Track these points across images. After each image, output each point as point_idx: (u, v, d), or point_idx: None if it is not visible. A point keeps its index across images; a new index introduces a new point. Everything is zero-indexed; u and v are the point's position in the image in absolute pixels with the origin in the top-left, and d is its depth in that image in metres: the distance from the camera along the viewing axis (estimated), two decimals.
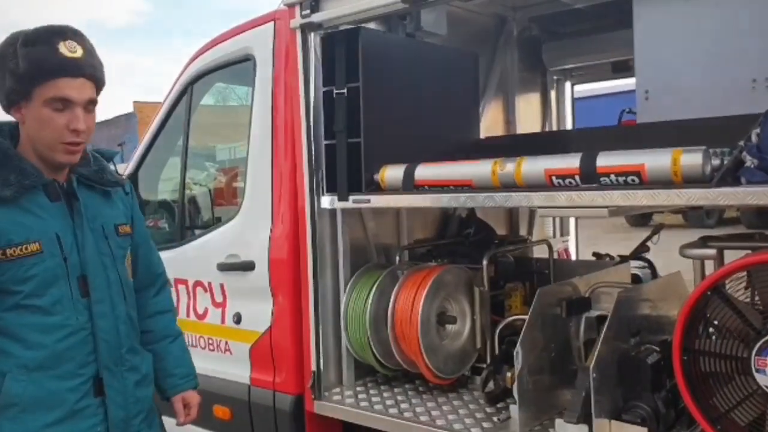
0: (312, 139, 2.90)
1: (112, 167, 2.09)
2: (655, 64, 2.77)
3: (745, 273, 1.99)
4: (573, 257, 4.26)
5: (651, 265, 3.32)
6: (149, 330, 2.16)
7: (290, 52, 3.02)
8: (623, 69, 3.95)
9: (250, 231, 3.30)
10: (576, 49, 4.03)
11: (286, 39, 3.10)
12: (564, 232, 4.30)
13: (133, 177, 3.92)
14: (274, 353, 3.16)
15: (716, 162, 2.01)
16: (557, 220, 4.29)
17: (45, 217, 1.84)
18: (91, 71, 1.85)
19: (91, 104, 1.86)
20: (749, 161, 1.92)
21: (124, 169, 3.98)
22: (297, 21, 2.87)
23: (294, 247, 3.06)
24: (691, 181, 2.02)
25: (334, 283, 3.00)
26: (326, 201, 2.89)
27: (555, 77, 4.31)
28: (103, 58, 1.93)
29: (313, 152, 2.91)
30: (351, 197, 2.79)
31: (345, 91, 2.79)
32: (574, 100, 4.41)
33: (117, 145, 21.33)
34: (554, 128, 4.27)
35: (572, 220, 4.37)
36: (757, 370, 1.90)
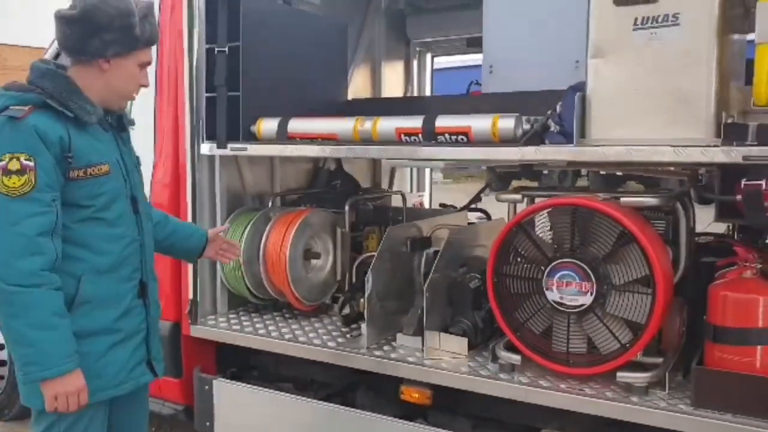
0: (194, 91, 3.15)
1: None
2: (499, 42, 3.27)
3: (546, 213, 2.55)
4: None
5: (488, 216, 3.91)
6: (155, 221, 2.42)
7: (176, 7, 3.23)
8: (476, 45, 4.46)
9: None
10: (436, 24, 4.51)
11: None
12: (420, 188, 4.85)
13: None
14: None
15: (527, 126, 2.54)
16: (414, 178, 4.82)
17: (106, 143, 2.14)
18: None
19: None
20: (553, 127, 2.48)
21: None
22: None
23: (174, 189, 3.30)
24: (506, 141, 2.55)
25: (212, 223, 3.29)
26: (206, 148, 3.17)
27: (417, 49, 4.79)
28: None
29: (194, 103, 3.15)
30: (229, 145, 3.10)
31: (226, 49, 3.08)
32: (433, 70, 4.92)
33: None
34: (415, 95, 4.77)
35: (428, 179, 4.91)
36: (547, 289, 2.48)
